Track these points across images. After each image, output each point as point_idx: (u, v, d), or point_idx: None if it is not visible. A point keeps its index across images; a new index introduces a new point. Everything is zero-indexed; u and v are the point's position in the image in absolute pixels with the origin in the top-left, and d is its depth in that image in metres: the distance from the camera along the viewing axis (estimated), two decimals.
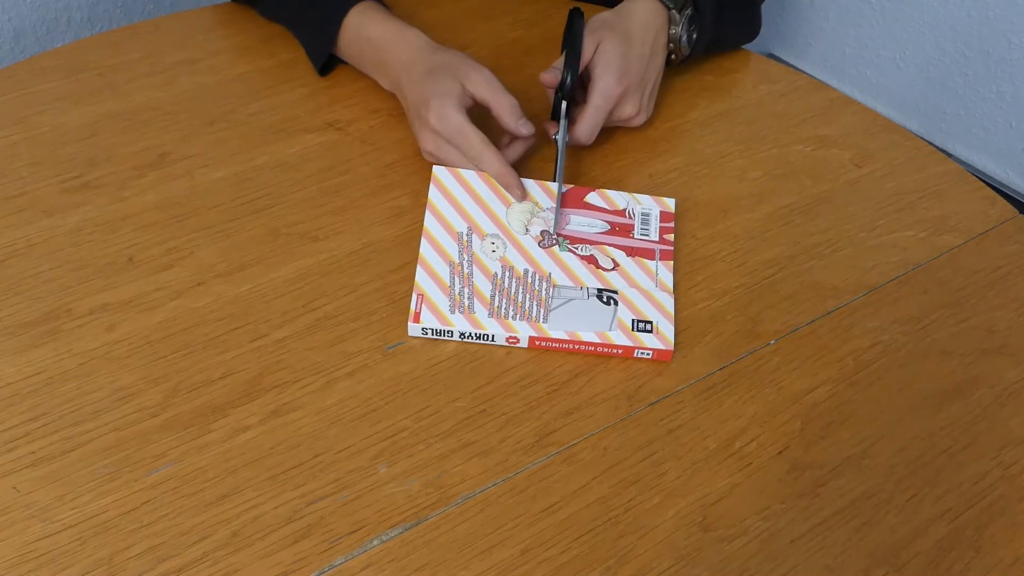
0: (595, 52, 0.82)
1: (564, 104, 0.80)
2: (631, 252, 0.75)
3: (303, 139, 0.85)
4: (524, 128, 0.78)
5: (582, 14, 0.83)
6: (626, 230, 0.76)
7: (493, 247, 0.74)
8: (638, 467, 0.65)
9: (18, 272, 0.72)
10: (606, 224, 0.77)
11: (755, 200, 0.84)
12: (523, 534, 0.60)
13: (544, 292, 0.72)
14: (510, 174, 0.77)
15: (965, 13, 1.36)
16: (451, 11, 1.00)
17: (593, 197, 0.79)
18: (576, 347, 0.70)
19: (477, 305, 0.71)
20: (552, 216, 0.77)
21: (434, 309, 0.70)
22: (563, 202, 0.78)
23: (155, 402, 0.65)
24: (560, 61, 0.83)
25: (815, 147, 0.90)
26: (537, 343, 0.70)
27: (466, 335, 0.70)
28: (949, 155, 1.08)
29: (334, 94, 0.89)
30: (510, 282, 0.72)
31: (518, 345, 0.70)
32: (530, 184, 0.78)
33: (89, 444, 0.62)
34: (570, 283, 0.73)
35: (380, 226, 0.78)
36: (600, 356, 0.70)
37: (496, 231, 0.75)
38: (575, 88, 0.81)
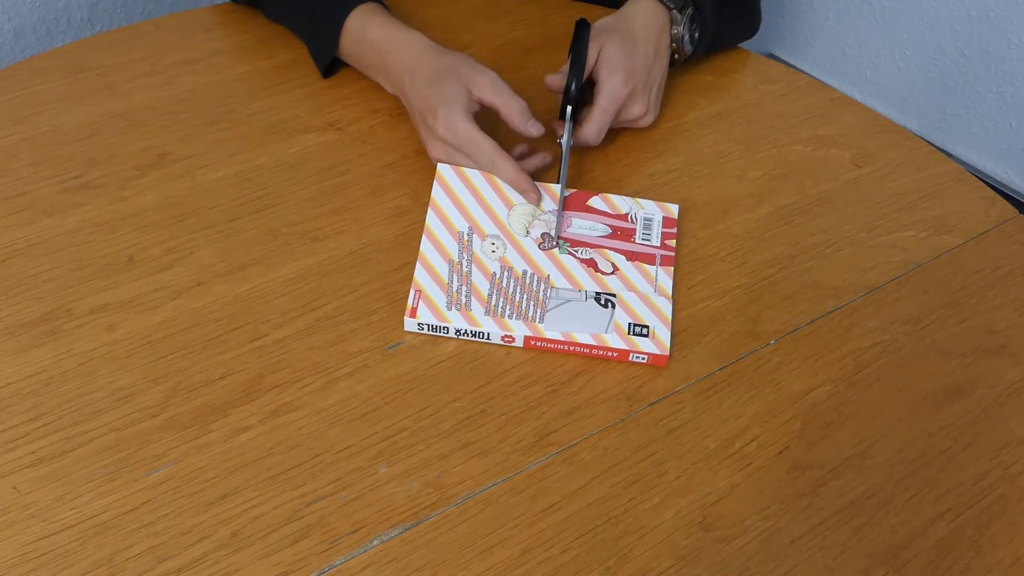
0: (598, 56, 0.82)
1: (569, 109, 0.80)
2: (631, 256, 0.75)
3: (303, 139, 0.85)
4: (534, 129, 0.78)
5: (589, 25, 0.83)
6: (627, 234, 0.76)
7: (493, 247, 0.74)
8: (638, 467, 0.65)
9: (18, 272, 0.72)
10: (607, 228, 0.77)
11: (755, 200, 0.84)
12: (523, 534, 0.60)
13: (542, 293, 0.72)
14: (525, 179, 0.77)
15: (965, 13, 1.35)
16: (451, 11, 1.00)
17: (596, 201, 0.79)
18: (571, 348, 0.70)
19: (474, 303, 0.71)
20: (553, 219, 0.77)
21: (431, 305, 0.70)
22: (565, 205, 0.78)
23: (155, 402, 0.65)
24: (566, 67, 0.83)
25: (815, 147, 0.90)
26: (533, 343, 0.70)
27: (462, 332, 0.70)
28: (949, 155, 1.08)
29: (334, 94, 0.89)
30: (508, 282, 0.72)
31: (513, 344, 0.70)
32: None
33: (89, 444, 0.62)
34: (568, 286, 0.73)
35: (380, 226, 0.78)
36: (599, 357, 0.70)
37: (497, 232, 0.75)
38: (580, 93, 0.81)
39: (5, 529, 0.58)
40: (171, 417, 0.64)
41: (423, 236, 0.75)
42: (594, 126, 0.81)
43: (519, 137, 0.80)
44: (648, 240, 0.76)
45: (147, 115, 0.85)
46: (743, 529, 0.62)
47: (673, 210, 0.79)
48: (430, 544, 0.60)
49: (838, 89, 0.98)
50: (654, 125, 0.90)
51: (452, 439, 0.65)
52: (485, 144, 0.76)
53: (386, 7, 0.88)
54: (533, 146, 0.83)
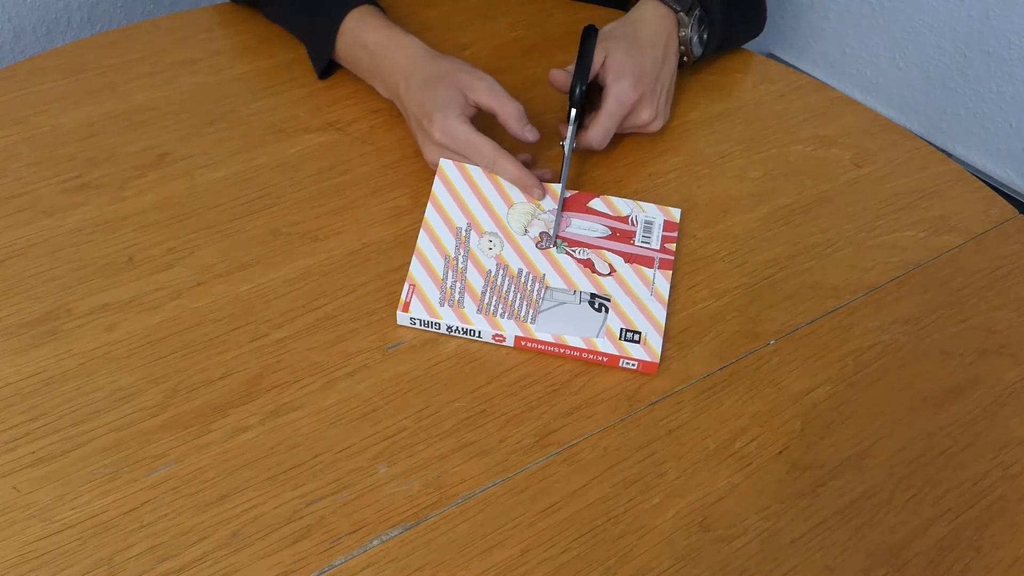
0: (604, 61, 0.82)
1: (572, 112, 0.80)
2: (629, 259, 0.75)
3: (303, 139, 0.85)
4: (530, 134, 0.78)
5: (596, 30, 0.83)
6: (627, 236, 0.76)
7: (490, 245, 0.74)
8: (638, 467, 0.65)
9: (18, 272, 0.72)
10: (607, 229, 0.77)
11: (755, 200, 0.84)
12: (523, 534, 0.60)
13: (536, 293, 0.72)
14: (527, 176, 0.77)
15: (965, 13, 1.35)
16: (450, 11, 1.00)
17: (597, 203, 0.78)
18: (561, 351, 0.70)
19: (467, 300, 0.71)
20: (552, 218, 0.77)
21: (424, 300, 0.71)
22: (566, 206, 0.78)
23: (155, 402, 0.65)
24: (571, 67, 0.83)
25: (815, 147, 0.90)
26: (523, 343, 0.70)
27: (453, 329, 0.70)
28: (949, 155, 1.08)
29: (334, 94, 0.89)
30: (503, 280, 0.72)
31: (504, 344, 0.70)
32: None
33: (89, 444, 0.62)
34: (564, 285, 0.72)
35: (380, 226, 0.78)
36: (589, 361, 0.70)
37: (495, 229, 0.75)
38: (586, 97, 0.81)
39: (5, 529, 0.58)
40: (171, 417, 0.64)
41: (421, 230, 0.75)
42: (599, 130, 0.81)
43: (519, 146, 0.80)
44: (648, 243, 0.76)
45: (147, 115, 0.85)
46: (743, 529, 0.62)
47: (675, 214, 0.79)
48: (430, 544, 0.60)
49: (838, 89, 0.98)
50: None
51: (452, 439, 0.65)
52: (484, 145, 0.76)
53: (383, 10, 0.87)
54: (535, 155, 0.83)
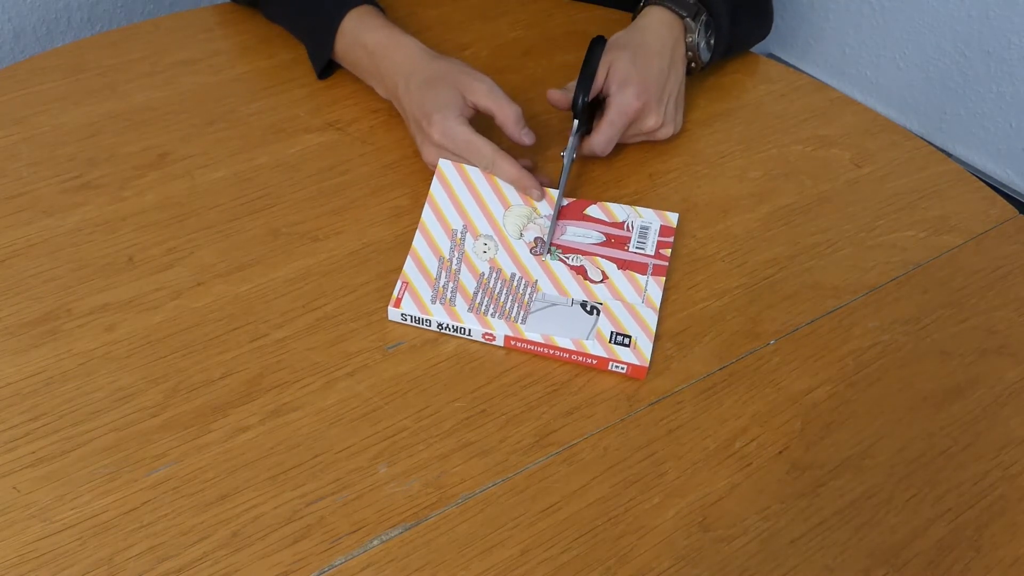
0: (609, 71, 0.81)
1: (575, 123, 0.80)
2: (623, 265, 0.75)
3: (303, 139, 0.85)
4: (527, 138, 0.78)
5: (604, 41, 0.83)
6: (621, 242, 0.76)
7: (485, 248, 0.74)
8: (638, 467, 0.65)
9: (18, 272, 0.72)
10: (601, 235, 0.76)
11: (755, 200, 0.84)
12: (523, 534, 0.60)
13: (527, 296, 0.72)
14: (526, 176, 0.77)
15: (965, 13, 1.35)
16: (451, 11, 1.00)
17: (593, 210, 0.78)
18: (551, 352, 0.70)
19: (459, 299, 0.71)
20: (548, 223, 0.77)
21: (416, 297, 0.71)
22: (562, 213, 0.78)
23: (155, 402, 0.65)
24: (571, 84, 0.83)
25: (815, 147, 0.90)
26: (512, 343, 0.70)
27: (444, 327, 0.70)
28: (949, 155, 1.08)
29: (334, 94, 0.89)
30: (495, 282, 0.72)
31: (494, 343, 0.70)
32: None
33: (89, 444, 0.62)
34: (555, 292, 0.72)
35: (380, 226, 0.78)
36: (578, 364, 0.70)
37: (490, 232, 0.75)
38: (591, 108, 0.81)
39: (5, 529, 0.58)
40: (171, 417, 0.64)
41: (417, 230, 0.75)
42: (602, 138, 0.81)
43: (519, 150, 0.80)
44: (642, 249, 0.76)
45: (147, 115, 0.85)
46: (743, 529, 0.62)
47: (672, 219, 0.79)
48: (430, 544, 0.60)
49: (838, 89, 0.98)
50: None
51: (452, 439, 0.65)
52: (483, 146, 0.76)
53: (382, 10, 0.87)
54: (536, 157, 0.83)
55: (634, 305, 0.72)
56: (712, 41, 0.90)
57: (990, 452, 0.68)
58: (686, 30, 0.87)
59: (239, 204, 0.79)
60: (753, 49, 1.01)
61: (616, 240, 0.76)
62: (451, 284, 0.72)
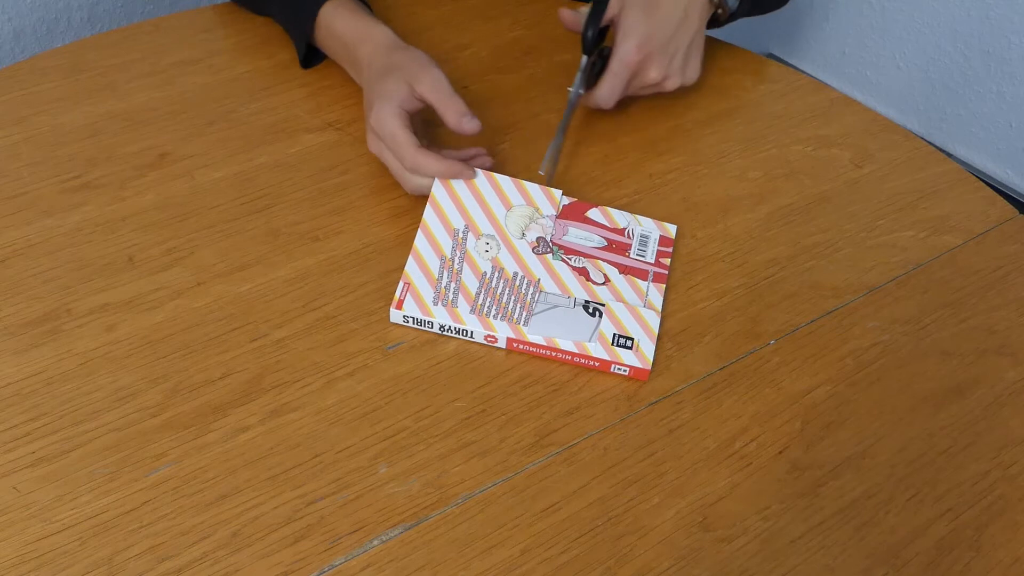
0: (619, 17, 0.81)
1: (584, 59, 0.79)
2: (624, 270, 0.75)
3: (303, 139, 0.85)
4: (467, 125, 0.75)
5: None
6: (623, 248, 0.76)
7: (487, 247, 0.74)
8: (638, 467, 0.65)
9: (18, 272, 0.72)
10: (603, 240, 0.76)
11: (755, 200, 0.84)
12: (523, 534, 0.60)
13: (530, 296, 0.72)
14: (453, 164, 0.75)
15: (965, 13, 1.35)
16: (451, 11, 1.00)
17: (595, 213, 0.78)
18: (553, 354, 0.70)
19: (461, 300, 0.71)
20: (551, 224, 0.77)
21: (418, 299, 0.71)
22: (563, 214, 0.78)
23: (155, 402, 0.65)
24: (585, 8, 0.81)
25: (815, 147, 0.90)
26: (515, 345, 0.70)
27: (446, 328, 0.70)
28: (949, 155, 1.08)
29: (334, 94, 0.89)
30: (498, 282, 0.72)
31: (496, 345, 0.70)
32: (534, 189, 0.78)
33: (89, 444, 0.62)
34: (558, 291, 0.72)
35: (380, 226, 0.78)
36: (580, 366, 0.70)
37: (492, 232, 0.75)
38: (598, 42, 0.80)
39: (5, 529, 0.58)
40: (171, 417, 0.64)
41: (419, 230, 0.75)
42: (605, 90, 0.81)
43: (470, 141, 0.80)
44: (642, 256, 0.76)
45: (147, 115, 0.85)
46: (743, 529, 0.62)
47: (671, 230, 0.79)
48: (430, 544, 0.60)
49: (838, 89, 0.98)
50: (654, 124, 0.90)
51: (452, 439, 0.65)
52: (407, 143, 0.74)
53: (364, 3, 0.87)
54: (490, 151, 0.82)
55: (636, 307, 0.72)
56: None
57: (990, 452, 0.68)
58: None
59: (239, 204, 0.79)
60: (753, 49, 1.00)
61: (617, 246, 0.76)
62: (453, 284, 0.72)
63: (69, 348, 0.67)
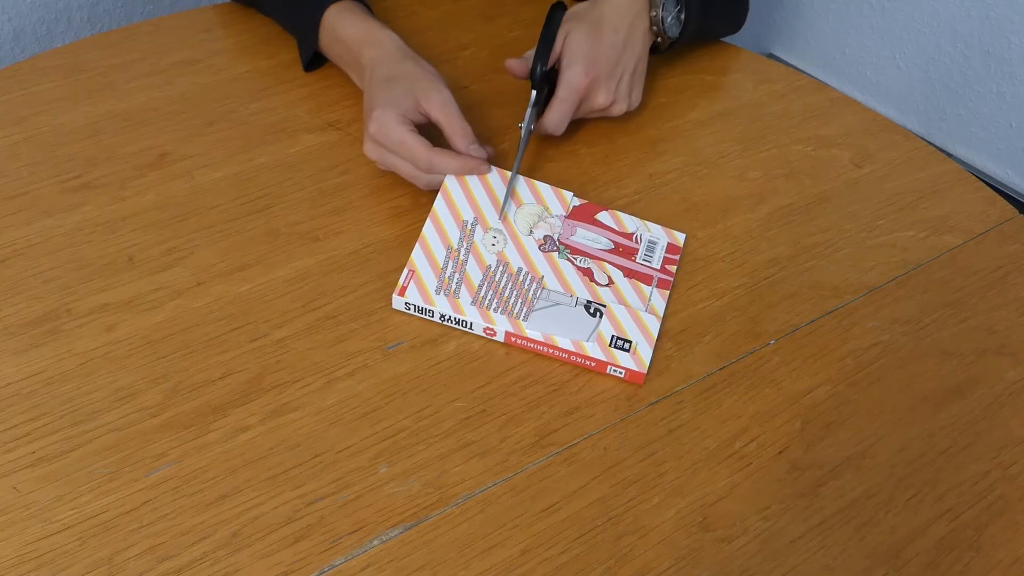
0: (563, 44, 0.82)
1: (533, 94, 0.80)
2: (629, 274, 0.75)
3: (303, 139, 0.85)
4: (475, 152, 0.77)
5: (564, 8, 0.83)
6: (629, 252, 0.76)
7: (494, 241, 0.74)
8: (638, 467, 0.65)
9: (18, 272, 0.72)
10: (610, 243, 0.76)
11: (755, 200, 0.84)
12: (523, 534, 0.60)
13: (532, 292, 0.72)
14: (468, 161, 0.76)
15: (965, 13, 1.35)
16: (451, 11, 1.00)
17: (604, 216, 0.78)
18: (550, 351, 0.70)
19: (463, 291, 0.71)
20: (560, 223, 0.77)
21: (421, 287, 0.71)
22: (573, 215, 0.78)
23: (155, 402, 0.65)
24: (529, 53, 0.83)
25: (815, 147, 0.90)
26: (513, 339, 0.70)
27: (446, 318, 0.70)
28: (949, 155, 1.08)
29: (334, 94, 0.89)
30: (501, 276, 0.72)
31: (495, 338, 0.70)
32: (545, 188, 0.79)
33: (89, 444, 0.62)
34: (561, 289, 0.72)
35: (380, 226, 0.78)
36: (577, 365, 0.70)
37: (500, 226, 0.76)
38: (548, 78, 0.81)
39: (5, 529, 0.58)
40: (171, 417, 0.64)
41: (428, 219, 0.75)
42: (553, 116, 0.81)
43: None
44: (649, 262, 0.76)
45: (147, 115, 0.85)
46: (743, 529, 0.62)
47: (679, 238, 0.79)
48: (430, 544, 0.60)
49: (838, 89, 0.98)
50: (654, 124, 0.90)
51: (452, 439, 0.65)
52: (418, 146, 0.75)
53: (366, 5, 0.87)
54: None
55: (637, 311, 0.72)
56: (683, 16, 0.89)
57: (990, 452, 0.68)
58: (651, 4, 0.86)
59: (239, 204, 0.79)
60: (753, 49, 1.00)
61: (624, 249, 0.76)
62: (457, 275, 0.72)
63: (69, 348, 0.67)
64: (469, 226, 0.75)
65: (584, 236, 0.76)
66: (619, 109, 0.85)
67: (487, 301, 0.71)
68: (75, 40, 0.93)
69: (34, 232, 0.75)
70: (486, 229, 0.75)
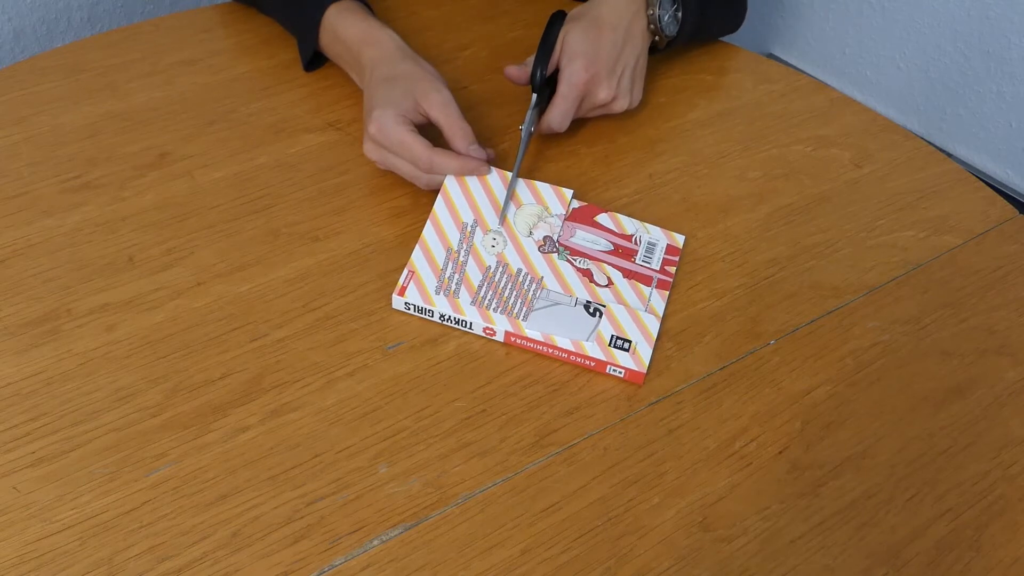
0: (564, 40, 0.82)
1: (534, 97, 0.81)
2: (628, 275, 0.75)
3: (303, 139, 0.85)
4: (475, 153, 0.77)
5: (564, 15, 0.83)
6: (629, 254, 0.76)
7: (493, 242, 0.74)
8: (638, 467, 0.65)
9: (18, 272, 0.72)
10: (610, 244, 0.76)
11: (755, 200, 0.84)
12: (523, 534, 0.60)
13: (532, 292, 0.72)
14: (469, 161, 0.76)
15: (965, 13, 1.35)
16: (451, 11, 1.00)
17: (603, 218, 0.78)
18: (550, 351, 0.70)
19: (463, 292, 0.71)
20: (559, 223, 0.77)
21: (421, 287, 0.71)
22: (572, 216, 0.78)
23: (155, 402, 0.65)
24: (529, 59, 0.83)
25: (815, 147, 0.90)
26: (512, 339, 0.70)
27: (446, 318, 0.70)
28: (949, 155, 1.08)
29: (334, 94, 0.89)
30: (501, 277, 0.73)
31: (494, 338, 0.70)
32: (545, 189, 0.79)
33: (89, 444, 0.62)
34: (560, 290, 0.73)
35: (380, 226, 0.78)
36: (577, 365, 0.70)
37: (500, 228, 0.76)
38: (548, 82, 0.82)
39: (5, 529, 0.58)
40: (171, 417, 0.64)
41: (428, 220, 0.75)
42: (556, 113, 0.81)
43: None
44: (648, 263, 0.76)
45: (147, 115, 0.85)
46: (743, 529, 0.62)
47: (679, 239, 0.79)
48: (430, 544, 0.60)
49: (838, 89, 0.98)
50: (654, 125, 0.90)
51: (452, 439, 0.65)
52: (417, 146, 0.75)
53: (367, 5, 0.87)
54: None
55: (637, 311, 0.72)
56: (680, 14, 0.89)
57: (990, 452, 0.68)
58: (648, 3, 0.86)
59: (239, 204, 0.79)
60: (753, 49, 1.00)
61: (624, 251, 0.76)
62: (456, 276, 0.72)
63: (69, 348, 0.67)
64: (469, 228, 0.75)
65: (583, 238, 0.76)
66: (621, 105, 0.85)
67: (487, 301, 0.71)
68: (75, 40, 0.93)
69: (34, 232, 0.75)
70: (486, 231, 0.75)
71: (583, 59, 0.81)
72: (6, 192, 0.77)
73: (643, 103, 0.90)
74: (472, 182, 0.77)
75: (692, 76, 0.96)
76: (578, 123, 0.87)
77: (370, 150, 0.78)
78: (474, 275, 0.72)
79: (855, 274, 0.79)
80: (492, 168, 0.78)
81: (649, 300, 0.73)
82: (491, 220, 0.76)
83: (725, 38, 1.00)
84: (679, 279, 0.77)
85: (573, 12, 0.85)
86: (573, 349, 0.69)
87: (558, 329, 0.70)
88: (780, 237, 0.81)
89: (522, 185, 0.78)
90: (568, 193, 0.79)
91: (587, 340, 0.70)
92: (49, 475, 0.61)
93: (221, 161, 0.82)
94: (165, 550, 0.58)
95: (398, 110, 0.76)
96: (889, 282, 0.79)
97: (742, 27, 1.00)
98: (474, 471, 0.63)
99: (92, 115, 0.85)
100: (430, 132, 0.78)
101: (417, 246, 0.74)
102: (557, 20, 0.83)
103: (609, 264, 0.75)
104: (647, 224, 0.79)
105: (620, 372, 0.69)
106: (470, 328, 0.71)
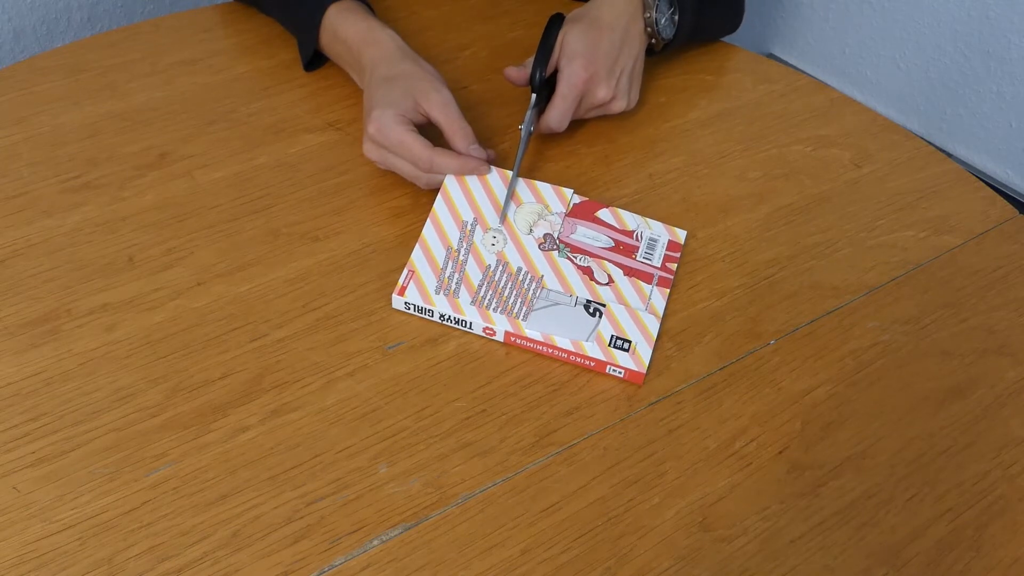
0: (563, 41, 0.82)
1: (533, 97, 0.81)
2: (629, 272, 0.75)
3: (303, 139, 0.85)
4: (475, 153, 0.77)
5: (562, 18, 0.84)
6: (629, 250, 0.76)
7: (493, 241, 0.74)
8: (638, 467, 0.65)
9: (18, 272, 0.72)
10: (611, 240, 0.76)
11: (755, 200, 0.84)
12: (523, 534, 0.60)
13: (532, 292, 0.72)
14: (469, 160, 0.76)
15: (965, 13, 1.35)
16: (451, 11, 1.00)
17: (604, 213, 0.78)
18: (549, 351, 0.70)
19: (463, 291, 0.71)
20: (560, 221, 0.77)
21: (420, 287, 0.71)
22: (573, 212, 0.78)
23: (155, 402, 0.65)
24: (528, 60, 0.84)
25: (815, 147, 0.90)
26: (512, 339, 0.70)
27: (446, 318, 0.70)
28: (949, 155, 1.08)
29: (334, 94, 0.89)
30: (501, 276, 0.73)
31: (494, 338, 0.70)
32: (545, 187, 0.79)
33: (89, 444, 0.62)
34: (560, 288, 0.73)
35: (380, 226, 0.78)
36: (577, 365, 0.70)
37: (500, 226, 0.76)
38: (547, 83, 0.82)
39: (5, 529, 0.58)
40: (171, 417, 0.64)
41: (428, 220, 0.75)
42: (555, 112, 0.82)
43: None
44: (649, 260, 0.76)
45: (147, 115, 0.85)
46: (743, 529, 0.62)
47: (680, 235, 0.79)
48: (430, 544, 0.60)
49: (838, 89, 0.98)
50: (654, 125, 0.90)
51: (452, 439, 0.65)
52: (417, 146, 0.75)
53: (367, 4, 0.87)
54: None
55: (637, 311, 0.72)
56: (676, 18, 0.89)
57: (990, 452, 0.68)
58: (645, 6, 0.86)
59: (239, 204, 0.79)
60: (753, 49, 1.00)
61: (624, 247, 0.76)
62: (456, 275, 0.72)
63: (69, 348, 0.67)
64: (469, 226, 0.75)
65: (584, 234, 0.76)
66: (619, 106, 0.85)
67: (487, 301, 0.71)
68: (75, 40, 0.93)
69: (34, 232, 0.75)
70: (486, 229, 0.75)
71: (582, 59, 0.81)
72: (6, 192, 0.77)
73: (643, 103, 0.90)
74: (472, 181, 0.77)
75: (692, 76, 0.96)
76: (578, 123, 0.87)
77: (370, 150, 0.78)
78: (474, 274, 0.72)
79: (855, 274, 0.79)
80: (492, 167, 0.78)
81: (650, 298, 0.73)
82: (491, 219, 0.76)
83: (725, 38, 1.00)
84: (679, 279, 0.77)
85: (572, 14, 0.85)
86: (573, 349, 0.69)
87: (558, 329, 0.70)
88: (780, 237, 0.81)
89: (522, 185, 0.78)
90: (568, 193, 0.79)
91: (587, 340, 0.70)
92: (49, 475, 0.61)
93: (221, 161, 0.82)
94: (165, 550, 0.58)
95: (398, 110, 0.76)
96: (889, 282, 0.79)
97: (742, 27, 1.00)
98: (474, 471, 0.63)
99: (92, 115, 0.85)
100: (430, 132, 0.78)
101: (417, 245, 0.74)
102: (556, 22, 0.83)
103: (610, 261, 0.75)
104: (649, 219, 0.79)
105: (620, 372, 0.69)
106: (470, 328, 0.71)
